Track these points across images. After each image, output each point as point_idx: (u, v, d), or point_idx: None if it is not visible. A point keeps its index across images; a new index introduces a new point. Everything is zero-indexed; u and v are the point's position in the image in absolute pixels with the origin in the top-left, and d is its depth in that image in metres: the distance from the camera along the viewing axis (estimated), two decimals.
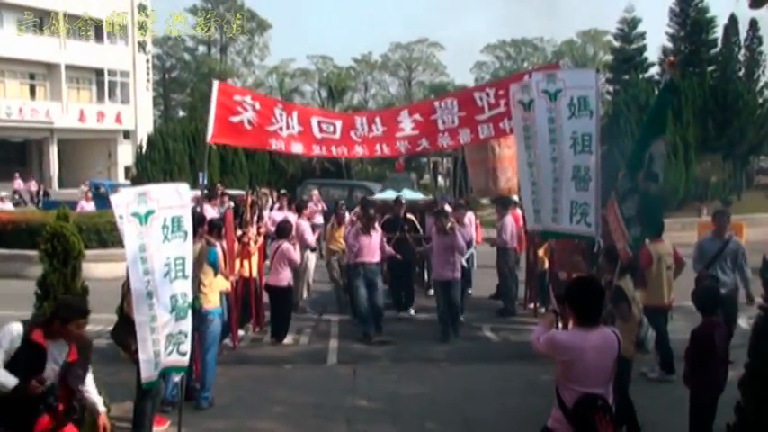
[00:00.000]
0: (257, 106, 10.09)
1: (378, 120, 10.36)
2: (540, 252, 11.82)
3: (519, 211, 12.68)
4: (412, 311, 12.45)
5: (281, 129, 10.07)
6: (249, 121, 10.02)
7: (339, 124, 10.24)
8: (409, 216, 12.88)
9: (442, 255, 10.81)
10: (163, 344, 6.10)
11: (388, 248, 11.68)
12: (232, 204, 14.58)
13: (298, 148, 10.51)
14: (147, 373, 6.02)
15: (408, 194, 13.86)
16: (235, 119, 9.99)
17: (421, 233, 12.75)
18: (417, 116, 10.20)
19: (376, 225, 11.28)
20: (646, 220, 6.94)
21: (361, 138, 10.12)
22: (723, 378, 6.35)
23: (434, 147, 10.90)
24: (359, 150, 10.52)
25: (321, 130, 10.18)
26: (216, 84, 10.15)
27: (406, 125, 10.12)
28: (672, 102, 7.87)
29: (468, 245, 12.40)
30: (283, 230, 10.86)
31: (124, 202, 5.97)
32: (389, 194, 13.89)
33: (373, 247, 11.10)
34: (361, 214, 11.40)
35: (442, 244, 10.80)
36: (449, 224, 10.61)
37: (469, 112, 9.83)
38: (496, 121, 9.74)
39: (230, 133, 10.18)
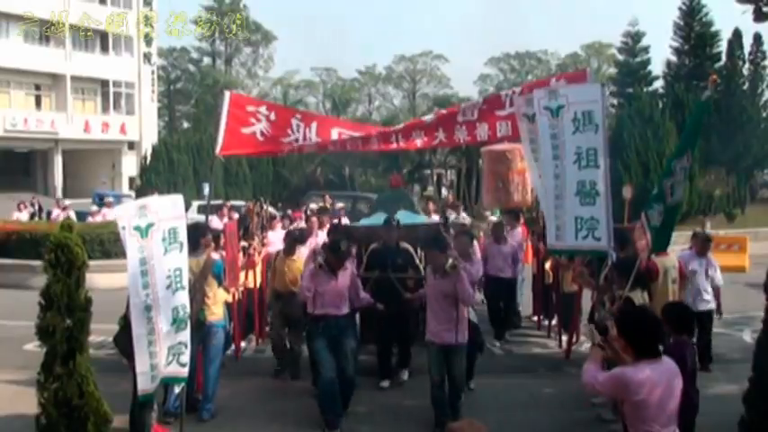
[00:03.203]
0: (272, 117, 9.78)
1: (401, 126, 10.24)
2: (547, 266, 11.80)
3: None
4: (405, 376, 9.26)
5: (296, 140, 9.77)
6: (262, 132, 9.75)
7: (360, 135, 10.05)
8: (404, 246, 9.15)
9: (440, 306, 7.41)
10: (163, 355, 6.14)
11: (365, 294, 8.24)
12: (236, 216, 14.62)
13: (311, 150, 10.54)
14: (144, 386, 6.09)
15: (405, 218, 9.82)
16: (247, 130, 9.71)
17: (422, 272, 8.80)
18: (443, 111, 10.06)
19: (347, 263, 8.06)
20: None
21: (378, 136, 9.93)
22: (697, 400, 6.25)
23: (450, 140, 10.37)
24: (374, 146, 10.22)
25: (340, 136, 9.91)
26: (228, 94, 9.85)
27: (427, 120, 9.95)
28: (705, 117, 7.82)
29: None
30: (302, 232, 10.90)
31: (126, 215, 6.04)
32: (379, 220, 9.78)
33: (339, 292, 7.81)
34: (327, 246, 8.13)
35: (439, 289, 7.42)
36: (450, 261, 7.31)
37: (491, 106, 9.64)
38: (515, 119, 9.55)
39: (241, 144, 9.91)
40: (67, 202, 23.73)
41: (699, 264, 9.61)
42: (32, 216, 24.53)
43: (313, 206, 20.86)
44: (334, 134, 9.88)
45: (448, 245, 7.80)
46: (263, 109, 9.90)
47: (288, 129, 9.76)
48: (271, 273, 9.89)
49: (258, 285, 10.91)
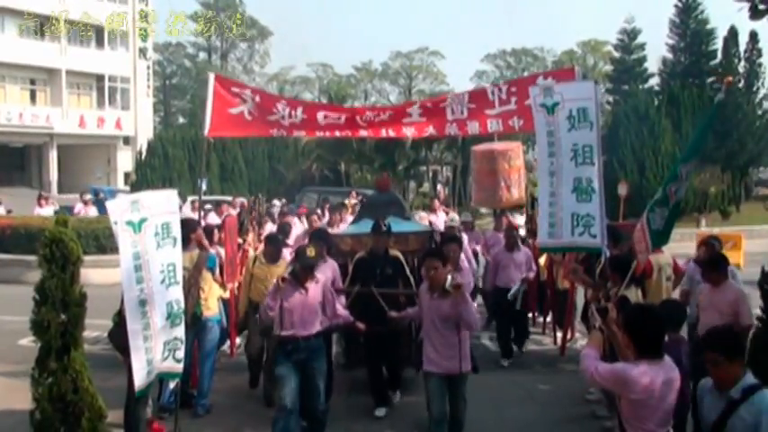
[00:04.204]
0: (257, 99, 9.81)
1: (387, 110, 10.21)
2: (542, 262, 11.81)
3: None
4: (397, 397, 8.44)
5: (282, 118, 9.71)
6: (249, 112, 9.73)
7: (344, 116, 9.99)
8: (393, 254, 8.13)
9: (438, 331, 6.43)
10: (159, 350, 6.14)
11: (343, 311, 7.26)
12: (233, 211, 14.58)
13: (300, 133, 10.41)
14: (140, 381, 6.08)
15: (394, 225, 8.45)
16: (234, 110, 9.72)
17: (413, 285, 7.84)
18: (428, 104, 10.03)
19: (317, 273, 6.96)
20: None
21: (367, 122, 9.81)
22: (689, 397, 6.22)
23: (441, 134, 10.55)
24: (363, 133, 10.21)
25: (326, 118, 9.81)
26: (212, 76, 9.89)
27: (414, 113, 9.89)
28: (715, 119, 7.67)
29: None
30: (282, 231, 10.85)
31: (118, 210, 6.03)
32: (365, 227, 8.55)
33: (309, 308, 6.74)
34: (294, 256, 7.13)
35: (436, 311, 6.41)
36: (449, 278, 6.25)
37: (480, 105, 9.56)
38: (506, 117, 9.46)
39: (229, 126, 9.94)
40: (87, 196, 23.51)
41: None
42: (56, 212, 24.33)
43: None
44: (320, 115, 9.85)
45: (447, 258, 6.81)
46: (247, 92, 9.93)
47: (273, 108, 9.76)
48: (245, 281, 8.77)
49: None
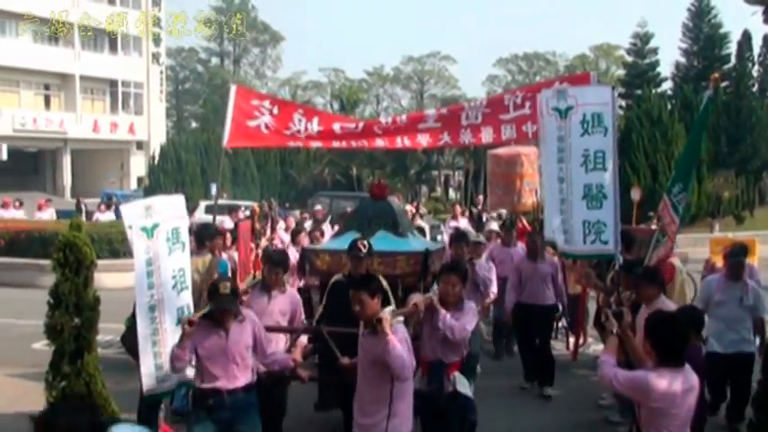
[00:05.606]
0: (275, 111, 9.87)
1: (403, 117, 10.21)
2: None
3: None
4: None
5: (299, 132, 9.83)
6: (266, 126, 9.83)
7: (361, 124, 10.08)
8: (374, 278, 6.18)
9: (366, 378, 5.12)
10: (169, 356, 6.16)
11: (279, 354, 5.90)
12: (245, 215, 14.63)
13: (317, 144, 10.47)
14: (149, 385, 6.10)
15: (383, 242, 7.10)
16: (252, 123, 9.83)
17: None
18: (443, 111, 10.07)
19: (249, 310, 5.72)
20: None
21: (383, 130, 9.86)
22: (706, 404, 6.10)
23: (455, 142, 10.45)
24: (380, 143, 10.15)
25: (342, 128, 9.91)
26: (233, 87, 9.98)
27: (430, 119, 9.91)
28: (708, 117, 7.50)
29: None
30: (293, 236, 10.87)
31: (132, 215, 6.06)
32: (348, 242, 6.80)
33: (233, 354, 5.35)
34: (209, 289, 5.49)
35: (364, 352, 5.13)
36: (387, 310, 5.19)
37: (495, 110, 9.57)
38: (519, 122, 9.43)
39: (247, 137, 10.05)
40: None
41: (731, 292, 7.57)
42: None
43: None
44: (336, 127, 9.92)
45: (380, 286, 5.44)
46: (266, 103, 10.02)
47: (290, 122, 9.85)
48: None
49: None
